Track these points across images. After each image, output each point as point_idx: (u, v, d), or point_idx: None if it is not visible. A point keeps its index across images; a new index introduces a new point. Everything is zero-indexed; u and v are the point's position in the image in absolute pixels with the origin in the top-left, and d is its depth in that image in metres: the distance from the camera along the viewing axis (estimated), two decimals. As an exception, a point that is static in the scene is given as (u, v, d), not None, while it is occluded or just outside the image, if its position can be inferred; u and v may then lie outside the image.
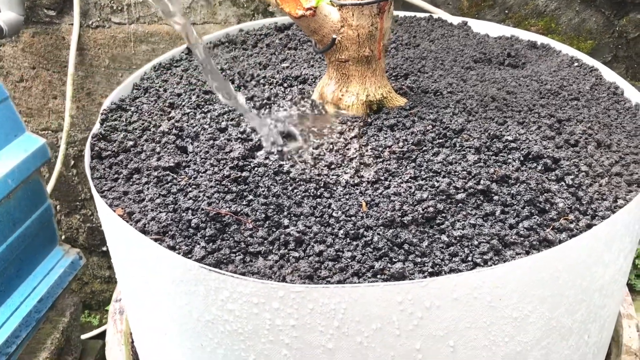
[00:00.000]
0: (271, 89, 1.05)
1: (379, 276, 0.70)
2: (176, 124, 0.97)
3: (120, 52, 1.78)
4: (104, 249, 2.16)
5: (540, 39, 1.26)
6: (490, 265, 0.70)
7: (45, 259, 1.58)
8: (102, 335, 1.99)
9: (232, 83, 1.08)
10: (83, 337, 1.78)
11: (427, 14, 1.43)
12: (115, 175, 0.88)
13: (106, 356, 1.18)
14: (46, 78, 1.85)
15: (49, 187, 1.87)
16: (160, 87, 1.11)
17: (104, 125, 0.98)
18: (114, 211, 0.80)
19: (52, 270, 1.57)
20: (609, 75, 1.11)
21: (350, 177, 0.84)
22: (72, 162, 1.98)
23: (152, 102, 1.06)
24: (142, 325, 0.92)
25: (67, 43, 1.78)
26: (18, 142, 1.46)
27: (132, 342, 1.22)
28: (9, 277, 1.43)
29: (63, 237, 2.15)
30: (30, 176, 1.46)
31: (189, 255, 0.74)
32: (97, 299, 2.28)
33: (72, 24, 1.74)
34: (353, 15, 0.90)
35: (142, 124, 0.98)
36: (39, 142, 1.49)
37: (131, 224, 0.78)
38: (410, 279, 0.69)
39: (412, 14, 1.43)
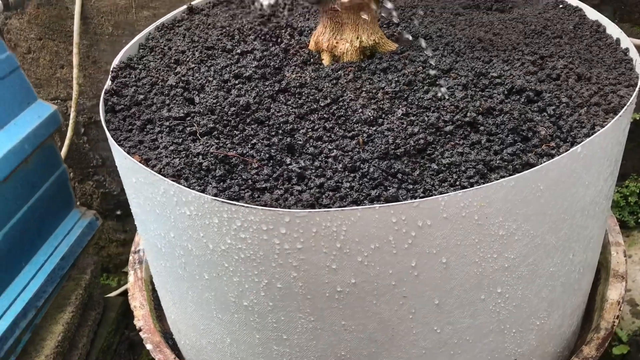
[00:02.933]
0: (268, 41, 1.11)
1: (375, 202, 0.77)
2: (182, 78, 1.03)
3: (123, 19, 1.83)
4: (118, 212, 2.25)
5: (527, -16, 1.31)
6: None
7: (64, 220, 1.66)
8: (122, 295, 2.09)
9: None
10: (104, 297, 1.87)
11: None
12: (130, 127, 0.95)
13: (130, 302, 1.27)
14: (53, 48, 1.91)
15: (62, 155, 1.94)
16: (165, 45, 1.17)
17: (115, 82, 1.05)
18: (132, 157, 0.87)
19: (72, 231, 1.65)
20: (593, 14, 1.16)
21: (346, 119, 0.91)
22: (83, 130, 2.05)
23: (158, 59, 1.12)
24: (162, 266, 0.99)
25: (71, 13, 1.83)
26: (31, 110, 1.53)
27: (153, 288, 1.31)
28: (31, 237, 1.52)
29: (78, 203, 2.23)
30: (44, 141, 1.53)
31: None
32: (114, 262, 2.37)
33: (74, -6, 1.79)
34: (343, -35, 0.96)
35: (151, 79, 1.05)
36: (51, 109, 1.56)
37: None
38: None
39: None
